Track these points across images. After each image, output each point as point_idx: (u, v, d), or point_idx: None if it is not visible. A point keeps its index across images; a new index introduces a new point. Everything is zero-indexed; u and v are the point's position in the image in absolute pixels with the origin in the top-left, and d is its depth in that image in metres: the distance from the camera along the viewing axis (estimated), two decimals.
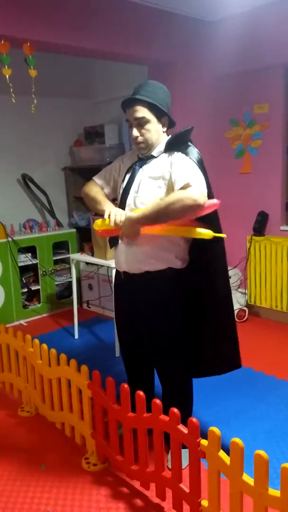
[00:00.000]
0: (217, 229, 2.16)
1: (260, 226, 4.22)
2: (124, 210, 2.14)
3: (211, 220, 2.13)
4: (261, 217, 4.22)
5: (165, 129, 2.16)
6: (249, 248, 4.29)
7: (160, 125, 2.13)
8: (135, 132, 2.09)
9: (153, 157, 2.13)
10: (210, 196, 2.09)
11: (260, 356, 3.54)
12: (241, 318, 4.25)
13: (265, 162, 4.19)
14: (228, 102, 4.36)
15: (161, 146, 2.14)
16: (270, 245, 4.14)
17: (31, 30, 3.07)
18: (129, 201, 2.15)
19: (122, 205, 2.17)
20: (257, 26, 3.77)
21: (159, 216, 1.93)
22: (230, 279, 4.37)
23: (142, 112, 2.06)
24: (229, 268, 4.42)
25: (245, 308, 4.29)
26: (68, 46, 3.37)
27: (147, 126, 2.08)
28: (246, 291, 4.40)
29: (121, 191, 2.21)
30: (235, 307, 4.27)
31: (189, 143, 2.11)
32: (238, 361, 2.37)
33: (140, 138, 2.09)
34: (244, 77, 4.17)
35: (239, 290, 4.47)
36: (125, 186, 2.18)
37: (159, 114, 2.09)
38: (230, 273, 4.41)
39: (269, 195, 4.22)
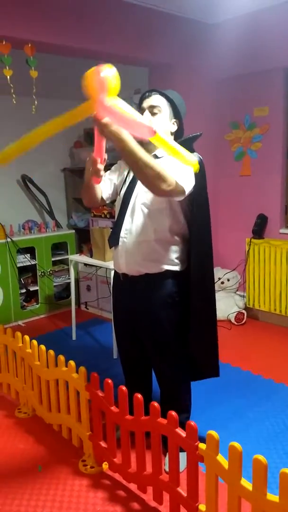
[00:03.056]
0: (206, 227, 2.19)
1: (260, 229, 4.22)
2: (126, 211, 2.15)
3: (202, 217, 2.16)
4: (260, 220, 4.22)
5: (174, 129, 2.17)
6: (248, 251, 4.29)
7: (171, 124, 2.15)
8: (145, 117, 2.10)
9: (156, 157, 2.13)
10: (204, 200, 2.14)
11: (258, 359, 3.53)
12: (239, 321, 4.25)
13: (265, 165, 4.19)
14: (228, 105, 4.36)
15: None
16: (269, 248, 4.14)
17: (32, 31, 3.06)
18: (132, 201, 2.15)
19: (124, 204, 2.18)
20: (258, 28, 3.77)
21: (137, 162, 1.75)
22: (229, 282, 4.42)
23: (158, 101, 2.10)
24: (227, 271, 4.47)
25: (243, 311, 4.28)
26: (68, 48, 3.37)
27: (159, 116, 2.10)
28: (245, 294, 4.39)
29: (123, 191, 2.21)
30: (233, 310, 4.28)
31: (194, 150, 2.12)
32: (215, 370, 2.37)
33: None
34: (244, 79, 4.17)
35: (238, 293, 4.46)
36: (128, 186, 2.18)
37: (173, 113, 2.14)
38: (229, 275, 4.42)
39: (268, 198, 4.21)
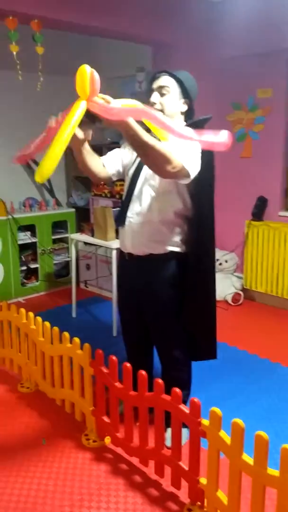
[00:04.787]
0: (210, 210, 2.22)
1: (259, 211, 4.25)
2: (133, 192, 2.17)
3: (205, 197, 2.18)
4: (260, 202, 4.25)
5: (184, 109, 2.17)
6: (247, 233, 4.32)
7: (180, 104, 2.15)
8: (154, 98, 2.11)
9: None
10: (210, 183, 2.16)
11: (254, 339, 3.60)
12: (236, 302, 4.31)
13: (266, 147, 4.19)
14: (231, 85, 4.33)
15: None
16: (268, 230, 4.18)
17: (38, 6, 3.02)
18: (139, 182, 2.17)
19: (131, 185, 2.20)
20: (264, 8, 3.72)
21: (144, 146, 1.75)
22: (227, 263, 4.46)
23: (167, 82, 2.11)
24: (226, 252, 4.50)
25: (240, 292, 4.35)
26: (73, 24, 3.33)
27: (168, 97, 2.11)
28: (242, 275, 4.45)
29: (131, 172, 2.23)
30: (230, 291, 4.33)
31: None
32: (212, 353, 2.40)
33: (157, 105, 2.11)
34: (248, 60, 4.13)
35: (235, 274, 4.52)
36: (136, 167, 2.19)
37: (183, 93, 2.14)
38: (227, 257, 4.47)
39: (269, 180, 4.23)
